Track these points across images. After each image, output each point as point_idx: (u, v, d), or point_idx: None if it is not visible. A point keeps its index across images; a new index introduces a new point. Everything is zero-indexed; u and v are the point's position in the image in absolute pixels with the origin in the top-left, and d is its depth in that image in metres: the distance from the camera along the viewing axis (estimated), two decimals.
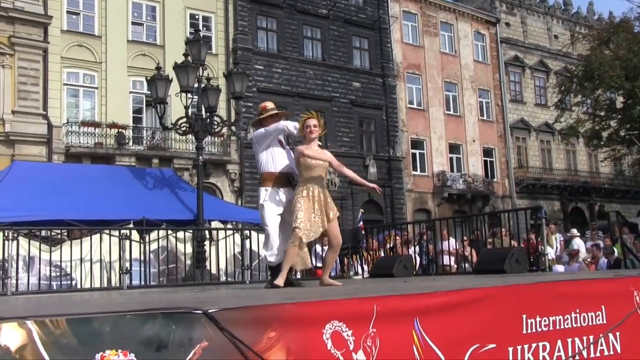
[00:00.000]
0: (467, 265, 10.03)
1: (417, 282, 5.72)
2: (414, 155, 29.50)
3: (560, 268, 11.78)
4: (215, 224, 12.11)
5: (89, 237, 10.03)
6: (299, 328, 2.62)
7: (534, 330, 3.51)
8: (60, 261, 9.09)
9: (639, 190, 36.46)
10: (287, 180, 5.50)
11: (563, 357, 3.61)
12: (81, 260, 9.39)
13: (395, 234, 11.69)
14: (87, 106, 21.76)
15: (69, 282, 9.43)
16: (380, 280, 7.19)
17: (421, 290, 3.36)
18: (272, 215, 5.42)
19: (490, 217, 10.75)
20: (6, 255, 8.22)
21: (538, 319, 3.54)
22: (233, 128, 18.71)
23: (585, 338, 3.75)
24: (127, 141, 21.16)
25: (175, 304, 2.59)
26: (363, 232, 11.35)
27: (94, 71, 21.79)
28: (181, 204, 13.81)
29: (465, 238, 10.21)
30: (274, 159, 5.51)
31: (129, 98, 22.34)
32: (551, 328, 3.59)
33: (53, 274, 9.18)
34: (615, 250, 11.10)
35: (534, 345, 3.48)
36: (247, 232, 10.50)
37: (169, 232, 10.73)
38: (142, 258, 9.59)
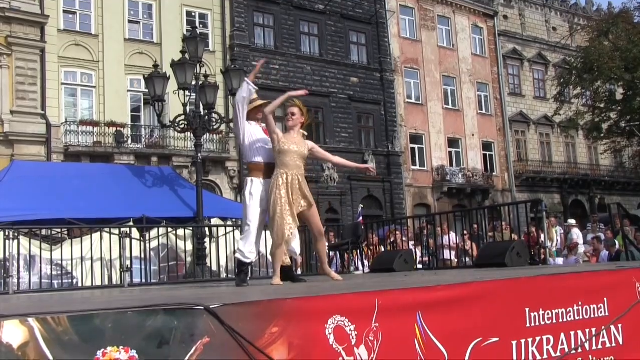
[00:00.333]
0: (467, 259, 10.03)
1: (418, 276, 5.71)
2: (413, 150, 29.47)
3: (559, 261, 11.79)
4: (215, 221, 12.11)
5: (89, 236, 10.04)
6: (302, 323, 2.62)
7: (537, 323, 3.50)
8: (61, 260, 9.10)
9: None
10: (273, 171, 5.27)
11: (566, 350, 3.61)
12: (82, 258, 9.39)
13: (395, 229, 11.68)
14: (85, 105, 21.71)
15: (70, 280, 9.44)
16: (381, 275, 7.18)
17: (423, 285, 3.36)
18: (255, 210, 5.21)
19: (490, 211, 10.74)
20: (7, 254, 8.22)
21: (541, 312, 3.53)
22: (231, 125, 18.67)
23: (588, 331, 3.75)
24: (125, 140, 21.13)
25: (177, 300, 2.58)
26: (363, 227, 11.34)
27: (92, 70, 21.73)
28: (181, 201, 13.82)
29: (465, 232, 10.20)
30: (258, 149, 5.34)
31: (127, 96, 22.29)
32: (554, 321, 3.59)
33: (54, 272, 9.18)
34: (617, 242, 11.09)
35: (537, 338, 3.47)
36: None
37: (169, 229, 10.73)
38: (142, 256, 9.59)
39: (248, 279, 5.26)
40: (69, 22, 21.62)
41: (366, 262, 10.52)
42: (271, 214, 5.04)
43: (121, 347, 2.17)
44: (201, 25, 23.04)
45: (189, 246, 11.25)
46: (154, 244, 10.20)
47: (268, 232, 5.54)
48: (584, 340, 3.71)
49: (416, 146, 29.67)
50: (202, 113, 13.61)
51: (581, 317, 3.73)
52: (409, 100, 29.80)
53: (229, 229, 11.07)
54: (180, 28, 22.75)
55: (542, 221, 8.07)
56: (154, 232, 10.30)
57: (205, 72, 15.06)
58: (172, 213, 12.43)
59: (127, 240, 9.03)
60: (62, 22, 21.37)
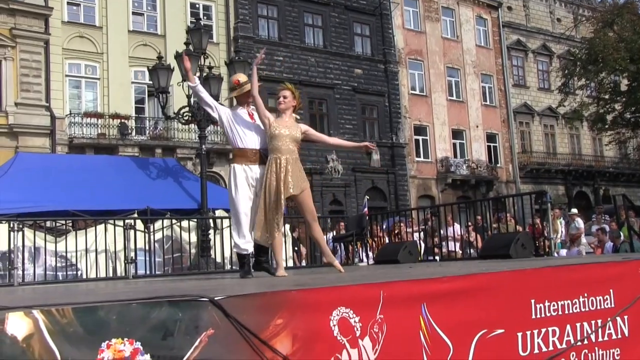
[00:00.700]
0: (472, 250, 10.01)
1: (423, 268, 5.70)
2: (417, 141, 29.41)
3: (563, 252, 11.77)
4: (219, 213, 12.11)
5: (93, 228, 10.05)
6: (306, 315, 2.61)
7: (542, 315, 3.49)
8: (66, 252, 9.13)
9: None
10: (259, 156, 5.14)
11: (572, 342, 3.60)
12: (86, 250, 9.40)
13: (400, 222, 11.67)
14: (89, 97, 21.73)
15: (74, 272, 9.46)
16: (386, 266, 7.18)
17: (428, 276, 3.34)
18: (241, 199, 5.04)
19: (494, 202, 10.70)
20: (12, 246, 8.24)
21: (547, 303, 3.52)
22: None
23: (593, 322, 3.74)
24: (129, 131, 21.14)
25: (181, 292, 2.57)
26: (367, 218, 11.33)
27: (96, 62, 21.73)
28: (185, 193, 13.83)
29: (470, 224, 10.18)
30: (242, 134, 5.16)
31: (131, 88, 22.29)
32: (560, 313, 3.57)
33: (58, 264, 9.21)
34: (622, 234, 11.05)
35: (543, 330, 3.46)
36: None
37: (174, 221, 10.74)
38: (146, 247, 9.59)
39: (252, 270, 5.22)
40: (72, 14, 21.60)
41: (370, 254, 10.52)
42: (265, 203, 4.93)
43: (125, 339, 2.16)
44: (205, 17, 22.98)
45: (193, 238, 11.26)
46: (159, 235, 10.21)
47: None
48: (589, 331, 3.69)
49: (420, 138, 29.61)
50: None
51: (587, 309, 3.72)
52: (413, 92, 29.72)
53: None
54: (184, 20, 22.71)
55: (547, 213, 8.04)
56: (158, 224, 10.31)
57: (210, 63, 15.03)
58: (176, 205, 12.44)
59: (132, 231, 9.05)
60: (66, 14, 21.35)
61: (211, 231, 11.34)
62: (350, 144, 6.03)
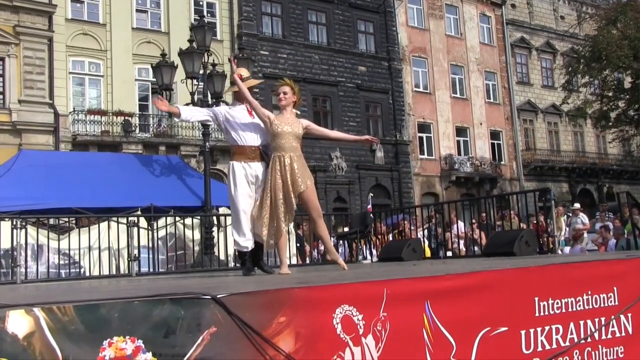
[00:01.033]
0: (476, 248, 9.99)
1: (427, 265, 5.69)
2: (420, 139, 29.37)
3: (566, 250, 11.75)
4: (223, 210, 12.09)
5: (97, 225, 10.05)
6: (309, 312, 2.60)
7: (546, 313, 3.47)
8: (69, 249, 9.10)
9: None
10: (258, 153, 5.10)
11: (576, 340, 3.58)
12: (89, 248, 9.40)
13: (404, 219, 11.65)
14: (93, 94, 21.76)
15: (77, 270, 9.45)
16: (390, 264, 7.16)
17: (432, 274, 3.33)
18: (240, 196, 5.00)
19: (498, 200, 10.69)
20: (15, 243, 8.23)
21: (550, 301, 3.50)
22: None
23: (597, 320, 3.72)
24: (133, 129, 21.16)
25: (184, 289, 2.57)
26: (371, 215, 11.31)
27: (99, 59, 21.75)
28: (188, 190, 13.83)
29: (474, 221, 10.15)
30: (240, 131, 5.12)
31: (135, 86, 22.31)
32: (563, 310, 3.55)
33: (61, 262, 9.20)
34: (626, 231, 11.01)
35: (546, 328, 3.44)
36: None
37: (177, 218, 10.73)
38: (150, 245, 9.59)
39: (255, 267, 5.21)
40: (76, 11, 21.62)
41: (374, 251, 10.50)
42: (267, 201, 4.90)
43: (127, 337, 2.16)
44: (209, 14, 22.98)
45: (197, 235, 11.24)
46: (162, 233, 10.19)
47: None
48: (593, 329, 3.67)
49: (424, 135, 29.58)
50: (210, 102, 13.58)
51: (591, 307, 3.70)
52: (417, 89, 29.67)
53: None
54: (188, 17, 22.70)
55: (551, 210, 8.01)
56: (161, 221, 10.30)
57: (213, 60, 14.99)
58: (179, 202, 12.43)
59: (135, 229, 9.03)
60: (69, 11, 21.37)
61: (215, 229, 11.33)
62: (352, 137, 6.00)
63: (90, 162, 14.87)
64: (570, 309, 3.59)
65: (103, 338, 2.13)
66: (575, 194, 33.20)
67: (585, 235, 12.51)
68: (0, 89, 19.71)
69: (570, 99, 28.87)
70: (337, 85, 26.52)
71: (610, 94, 28.66)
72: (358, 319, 2.71)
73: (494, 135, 32.31)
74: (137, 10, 22.71)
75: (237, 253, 5.29)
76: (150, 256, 9.59)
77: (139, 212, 10.24)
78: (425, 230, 10.64)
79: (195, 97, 13.71)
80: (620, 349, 3.79)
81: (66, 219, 10.47)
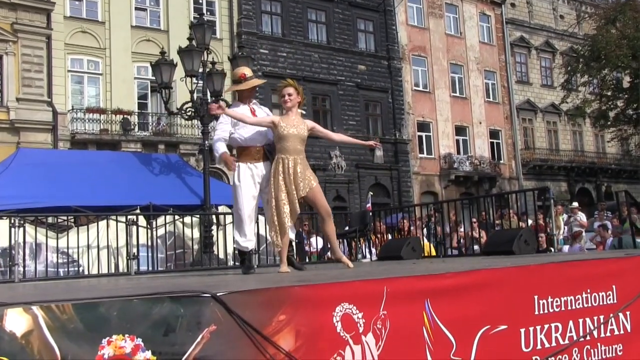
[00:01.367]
0: (475, 247, 9.98)
1: (426, 264, 5.68)
2: (420, 137, 29.37)
3: (565, 249, 11.75)
4: (222, 209, 12.10)
5: (95, 224, 10.04)
6: (309, 311, 2.59)
7: (545, 311, 3.48)
8: (67, 248, 9.09)
9: None
10: (262, 153, 5.12)
11: (575, 338, 3.58)
12: (88, 246, 9.39)
13: (403, 218, 11.64)
14: (91, 93, 21.72)
15: (76, 268, 9.44)
16: (389, 262, 7.16)
17: (431, 272, 3.33)
18: (246, 196, 5.03)
19: (497, 199, 10.69)
20: (13, 242, 8.21)
21: (550, 299, 3.51)
22: None
23: (596, 318, 3.73)
24: (132, 127, 21.14)
25: (183, 288, 2.56)
26: (371, 214, 11.30)
27: (98, 57, 21.71)
28: (188, 189, 13.82)
29: (474, 220, 10.15)
30: (245, 132, 5.12)
31: (134, 84, 22.28)
32: (563, 309, 3.57)
33: (60, 260, 9.19)
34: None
35: (546, 326, 3.45)
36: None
37: (176, 217, 10.72)
38: (149, 243, 9.58)
39: (254, 266, 5.21)
40: (75, 9, 21.58)
41: (373, 250, 10.49)
42: (272, 202, 4.90)
43: (126, 336, 2.15)
44: (208, 12, 22.94)
45: (196, 234, 11.24)
46: (161, 231, 10.19)
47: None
48: (592, 328, 3.68)
49: (423, 134, 29.58)
50: (209, 100, 13.57)
51: (589, 305, 3.71)
52: (417, 88, 29.66)
53: None
54: (188, 15, 22.67)
55: (550, 209, 8.01)
56: (160, 220, 10.29)
57: (213, 59, 14.99)
58: (179, 201, 12.43)
59: (134, 227, 9.02)
60: (68, 9, 21.32)
61: (214, 227, 11.33)
62: (356, 141, 5.96)
63: (89, 161, 14.85)
64: (569, 307, 3.60)
65: (102, 336, 2.12)
66: (573, 193, 33.22)
67: (584, 234, 12.51)
68: None
69: (569, 98, 28.91)
70: (336, 84, 26.50)
71: (609, 93, 28.68)
72: (358, 317, 2.71)
73: (493, 134, 32.32)
74: (137, 8, 22.67)
75: (237, 252, 5.27)
76: (150, 255, 9.59)
77: (138, 211, 10.23)
78: (425, 229, 10.64)
79: (195, 95, 13.69)
80: (619, 346, 3.80)
81: (65, 218, 10.45)
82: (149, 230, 9.72)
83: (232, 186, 5.23)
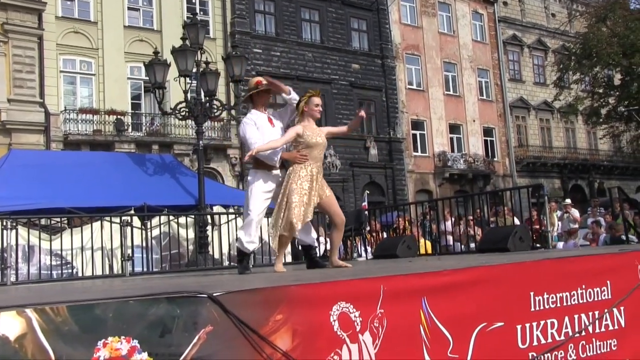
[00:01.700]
0: (471, 244, 9.99)
1: (422, 261, 5.68)
2: (414, 136, 29.42)
3: (559, 245, 11.79)
4: (217, 209, 12.07)
5: (89, 225, 9.98)
6: (306, 310, 2.58)
7: (541, 307, 3.49)
8: (61, 250, 9.01)
9: (638, 166, 36.48)
10: (280, 163, 5.16)
11: (570, 334, 3.60)
12: (82, 248, 9.34)
13: (399, 217, 11.65)
14: (84, 93, 21.62)
15: (69, 270, 9.39)
16: (385, 261, 7.16)
17: (428, 270, 3.32)
18: (258, 200, 5.07)
19: (492, 196, 10.68)
20: (5, 244, 8.14)
21: (545, 295, 3.52)
22: (233, 112, 18.59)
23: (591, 313, 3.75)
24: (126, 128, 21.06)
25: (179, 288, 2.54)
26: (366, 213, 11.30)
27: (91, 58, 21.61)
28: (182, 189, 13.77)
29: (470, 217, 10.16)
30: (263, 140, 5.07)
31: (127, 84, 22.20)
32: (558, 305, 3.58)
33: (53, 262, 9.12)
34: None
35: (542, 322, 3.46)
36: None
37: (171, 217, 10.69)
38: (144, 244, 9.53)
39: (250, 266, 5.21)
40: (67, 9, 21.47)
41: (369, 249, 10.50)
42: (286, 201, 4.88)
43: (122, 337, 2.13)
44: (201, 12, 22.89)
45: (191, 234, 11.21)
46: (156, 232, 10.14)
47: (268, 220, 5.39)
48: (587, 323, 3.70)
49: (417, 132, 29.62)
50: (203, 100, 13.54)
51: (585, 301, 3.73)
52: (410, 87, 29.70)
53: (231, 217, 11.02)
54: (181, 15, 22.61)
55: (544, 206, 8.02)
56: (155, 221, 10.24)
57: (206, 58, 14.96)
58: (173, 201, 12.38)
59: (128, 228, 8.97)
60: (60, 9, 21.22)
61: (209, 227, 11.30)
62: (350, 125, 5.92)
63: (83, 162, 14.76)
64: (565, 304, 3.61)
65: (97, 338, 2.10)
66: (567, 189, 33.38)
67: (581, 231, 12.55)
68: None
69: (562, 95, 29.05)
70: (330, 83, 26.49)
71: (601, 90, 28.86)
72: (355, 316, 2.70)
73: (487, 132, 32.40)
74: (129, 8, 22.58)
75: (237, 251, 5.28)
76: (144, 256, 9.54)
77: (132, 212, 10.18)
78: (420, 228, 10.65)
79: (189, 95, 13.65)
80: (614, 341, 3.82)
81: (58, 219, 10.39)
82: (144, 231, 9.68)
83: (246, 188, 5.29)
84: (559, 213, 13.85)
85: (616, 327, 3.86)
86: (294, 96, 5.25)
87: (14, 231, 8.31)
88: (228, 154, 23.50)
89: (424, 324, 2.95)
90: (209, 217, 11.48)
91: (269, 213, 5.33)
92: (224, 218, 10.95)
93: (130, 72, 22.20)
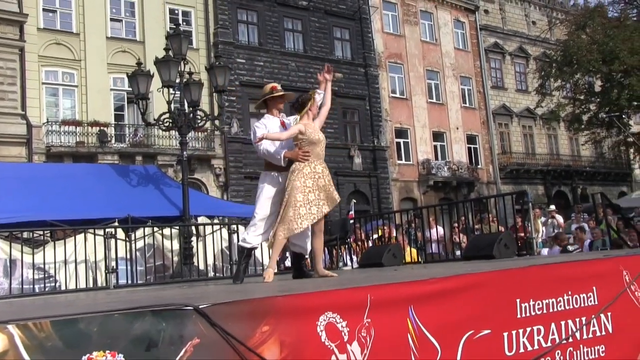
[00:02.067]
0: (456, 252, 10.03)
1: (408, 270, 5.68)
2: (398, 144, 29.53)
3: (544, 252, 11.85)
4: (201, 220, 12.01)
5: (72, 238, 9.87)
6: (293, 321, 2.57)
7: (528, 314, 3.49)
8: (44, 263, 8.88)
9: (620, 172, 36.91)
10: (289, 164, 5.14)
11: (557, 340, 3.60)
12: (65, 261, 9.23)
13: (384, 225, 11.66)
14: (67, 105, 21.46)
15: (53, 284, 9.26)
16: (371, 270, 7.15)
17: (414, 278, 3.32)
18: (265, 200, 5.12)
19: (476, 203, 10.74)
20: None
21: (532, 302, 3.52)
22: (217, 122, 18.54)
23: (578, 320, 3.75)
24: (109, 139, 20.93)
25: (165, 301, 2.52)
26: (352, 222, 11.30)
27: (73, 69, 21.48)
28: (166, 200, 13.66)
29: (455, 224, 10.20)
30: (275, 143, 5.17)
31: (110, 95, 22.08)
32: (545, 311, 3.58)
33: (36, 276, 8.99)
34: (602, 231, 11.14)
35: (528, 329, 3.46)
36: (234, 226, 10.41)
37: (155, 229, 10.61)
38: (128, 256, 9.44)
39: (242, 275, 5.21)
40: (48, 20, 21.34)
41: (354, 257, 10.48)
42: (287, 199, 4.85)
43: (107, 352, 2.10)
44: (184, 23, 22.87)
45: (176, 245, 11.13)
46: (140, 244, 10.06)
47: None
48: (574, 329, 3.70)
49: (401, 140, 29.74)
50: (186, 111, 13.48)
51: (571, 307, 3.73)
52: (394, 95, 29.84)
53: (216, 227, 10.98)
54: (164, 26, 22.56)
55: (528, 212, 8.07)
56: (139, 232, 10.17)
57: (190, 69, 14.90)
58: (157, 212, 12.28)
59: (112, 240, 8.90)
60: (41, 20, 21.09)
61: (193, 238, 11.24)
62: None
63: (65, 174, 14.60)
64: (551, 310, 3.61)
65: (82, 353, 2.07)
66: (550, 196, 33.65)
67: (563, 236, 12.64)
68: None
69: (544, 102, 29.36)
70: None
71: (582, 97, 29.19)
72: (342, 326, 2.69)
73: (470, 139, 32.62)
74: (112, 19, 22.51)
75: (237, 249, 5.43)
76: (129, 268, 9.45)
77: (116, 223, 10.08)
78: (405, 235, 10.66)
79: (172, 106, 13.60)
80: (602, 347, 3.83)
81: (41, 232, 10.27)
82: (128, 243, 9.59)
83: (258, 191, 5.31)
84: (543, 219, 13.96)
85: (603, 332, 3.87)
86: (319, 98, 5.47)
87: None
88: (212, 165, 23.42)
89: (412, 333, 2.94)
90: (193, 228, 11.41)
91: None
92: (208, 229, 10.90)
93: (113, 83, 22.09)
